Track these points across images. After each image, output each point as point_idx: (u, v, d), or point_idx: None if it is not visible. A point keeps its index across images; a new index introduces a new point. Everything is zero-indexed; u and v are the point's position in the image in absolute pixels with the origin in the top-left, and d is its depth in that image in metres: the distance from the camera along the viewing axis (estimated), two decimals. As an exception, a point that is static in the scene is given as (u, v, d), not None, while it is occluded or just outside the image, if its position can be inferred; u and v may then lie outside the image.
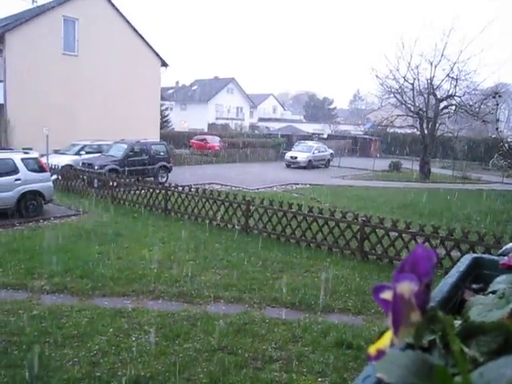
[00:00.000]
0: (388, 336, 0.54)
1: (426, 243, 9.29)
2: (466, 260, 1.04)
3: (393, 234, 9.84)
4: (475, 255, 1.05)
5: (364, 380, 0.54)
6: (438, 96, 26.76)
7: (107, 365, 5.33)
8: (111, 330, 6.22)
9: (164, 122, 45.10)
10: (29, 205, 12.74)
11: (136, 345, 5.81)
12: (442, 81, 26.67)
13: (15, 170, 12.46)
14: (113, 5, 28.39)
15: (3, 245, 10.01)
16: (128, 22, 29.29)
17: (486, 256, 1.08)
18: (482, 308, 0.73)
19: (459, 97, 26.39)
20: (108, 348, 5.72)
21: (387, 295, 0.52)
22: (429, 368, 0.49)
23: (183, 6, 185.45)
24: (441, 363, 0.56)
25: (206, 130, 51.84)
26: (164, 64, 31.58)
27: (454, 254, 8.82)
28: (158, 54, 30.99)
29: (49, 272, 8.34)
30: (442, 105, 26.85)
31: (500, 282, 0.80)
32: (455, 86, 26.15)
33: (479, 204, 17.55)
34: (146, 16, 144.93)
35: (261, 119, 68.52)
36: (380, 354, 0.53)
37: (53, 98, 24.88)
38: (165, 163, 20.75)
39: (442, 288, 0.89)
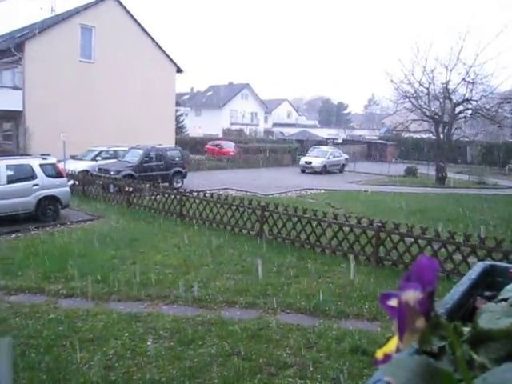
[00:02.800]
0: (394, 341, 0.55)
1: (442, 249, 9.20)
2: (478, 268, 1.04)
3: (408, 240, 9.75)
4: (488, 263, 1.05)
5: None
6: (454, 100, 26.54)
7: (122, 369, 5.37)
8: (126, 334, 6.26)
9: (179, 128, 45.38)
10: (46, 210, 12.92)
11: (151, 349, 5.84)
12: (458, 85, 26.50)
13: (33, 176, 12.66)
14: (128, 12, 28.76)
15: (21, 249, 10.16)
16: (143, 28, 29.65)
17: (498, 263, 1.07)
18: (491, 315, 0.74)
19: (475, 101, 26.14)
20: (123, 352, 5.76)
21: (394, 302, 0.54)
22: (434, 372, 0.51)
23: (198, 12, 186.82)
24: (450, 369, 0.57)
25: (220, 135, 52.03)
26: (179, 70, 31.86)
27: (472, 260, 8.71)
28: (172, 60, 31.28)
29: (65, 276, 8.45)
30: (457, 109, 26.63)
31: (510, 290, 0.80)
32: (471, 90, 25.94)
33: (496, 209, 17.33)
34: (161, 23, 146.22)
35: (275, 124, 68.55)
36: (386, 358, 0.54)
37: (70, 105, 25.25)
38: (180, 169, 20.89)
39: (452, 295, 0.90)
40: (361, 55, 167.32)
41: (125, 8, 28.57)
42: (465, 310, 0.84)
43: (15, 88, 25.44)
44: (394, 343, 0.55)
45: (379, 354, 0.56)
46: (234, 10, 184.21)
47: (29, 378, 5.09)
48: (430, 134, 28.81)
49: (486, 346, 0.63)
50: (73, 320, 6.66)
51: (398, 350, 0.55)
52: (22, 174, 12.58)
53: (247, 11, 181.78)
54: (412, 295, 0.53)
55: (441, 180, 26.38)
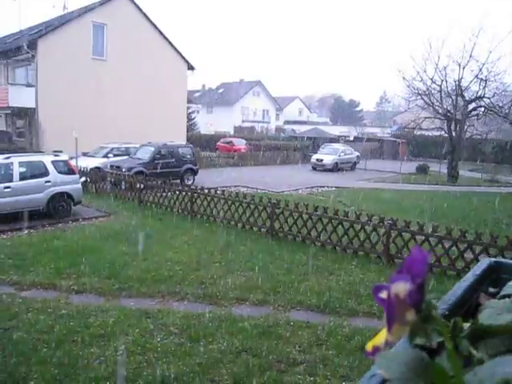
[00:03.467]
0: (383, 333, 0.55)
1: (454, 247, 9.12)
2: (483, 264, 1.03)
3: (419, 238, 9.69)
4: (493, 259, 1.03)
5: (370, 378, 0.55)
6: (467, 97, 26.26)
7: (133, 364, 5.41)
8: (137, 330, 6.30)
9: (191, 125, 45.52)
10: (58, 206, 13.02)
11: (161, 345, 5.88)
12: (471, 82, 26.18)
13: (45, 172, 12.76)
14: (140, 10, 28.87)
15: (34, 245, 10.27)
16: (155, 26, 29.72)
17: (504, 260, 1.06)
18: (492, 311, 0.73)
19: (488, 98, 25.84)
20: (134, 348, 5.80)
21: (385, 294, 0.54)
22: (427, 366, 0.51)
23: (209, 9, 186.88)
24: (447, 364, 0.57)
25: (232, 132, 52.08)
26: (190, 67, 31.90)
27: (483, 258, 8.63)
28: (184, 58, 31.33)
29: (77, 272, 8.52)
30: (470, 106, 26.35)
31: None
32: (484, 88, 25.63)
33: (508, 208, 17.14)
34: (172, 20, 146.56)
35: (287, 122, 68.41)
36: (375, 350, 0.54)
37: (82, 102, 25.41)
38: (191, 166, 20.94)
39: (455, 291, 0.89)
40: (373, 52, 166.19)
41: (136, 5, 28.67)
42: (468, 306, 0.83)
43: (28, 85, 25.68)
44: (383, 335, 0.55)
45: (369, 346, 0.56)
46: (246, 7, 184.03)
47: (40, 373, 5.14)
48: (442, 132, 28.56)
49: (485, 342, 0.63)
50: (84, 316, 6.72)
51: (387, 342, 0.54)
52: (35, 171, 12.69)
53: (259, 8, 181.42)
54: (402, 287, 0.52)
55: (453, 178, 26.16)
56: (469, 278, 0.96)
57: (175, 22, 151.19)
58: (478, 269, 1.00)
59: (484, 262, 1.03)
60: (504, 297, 0.79)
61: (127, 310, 7.02)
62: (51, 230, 11.98)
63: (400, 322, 0.53)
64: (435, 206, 16.98)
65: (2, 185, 11.92)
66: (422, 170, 30.97)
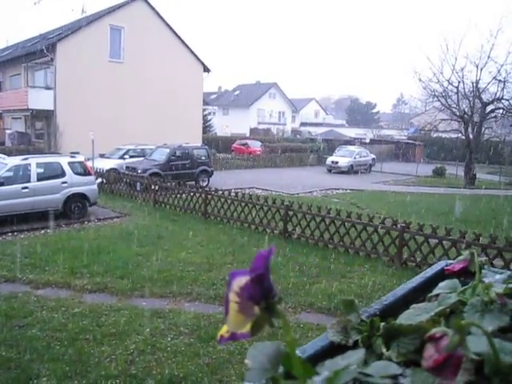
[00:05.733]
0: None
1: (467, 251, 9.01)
2: (438, 266, 1.02)
3: (433, 241, 9.61)
4: (449, 261, 1.02)
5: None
6: (484, 99, 25.92)
7: (143, 363, 5.48)
8: (148, 329, 6.38)
9: (206, 127, 45.71)
10: (74, 207, 13.21)
11: (171, 345, 5.94)
12: (489, 83, 25.84)
13: (62, 174, 12.97)
14: (156, 12, 29.14)
15: (50, 245, 10.44)
16: (171, 28, 29.97)
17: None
18: (413, 312, 0.75)
19: (507, 100, 25.47)
20: (144, 347, 5.87)
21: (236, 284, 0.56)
22: (280, 355, 0.56)
23: (226, 12, 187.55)
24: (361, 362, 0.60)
25: (248, 134, 52.12)
26: (206, 69, 32.08)
27: (498, 262, 8.54)
28: (200, 60, 31.52)
29: (91, 272, 8.64)
30: (488, 108, 26.01)
31: (442, 287, 0.81)
32: (503, 89, 25.28)
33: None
34: (188, 23, 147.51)
35: (303, 124, 68.30)
36: (221, 338, 0.57)
37: (99, 104, 25.74)
38: (206, 167, 21.04)
39: (396, 292, 0.91)
40: (389, 54, 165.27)
41: (153, 8, 28.94)
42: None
43: (47, 88, 26.12)
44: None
45: (218, 334, 0.58)
46: (262, 9, 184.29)
47: (53, 370, 5.24)
48: (460, 134, 28.23)
49: (398, 341, 0.66)
50: (96, 314, 6.82)
51: (228, 332, 0.57)
52: (52, 172, 12.91)
53: (275, 10, 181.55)
54: (241, 281, 0.55)
55: (470, 181, 25.83)
56: (416, 280, 0.96)
57: (191, 24, 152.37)
58: (430, 271, 1.00)
59: (440, 263, 1.03)
60: (431, 298, 0.80)
61: (139, 309, 7.10)
62: (67, 230, 12.16)
63: (244, 314, 0.55)
64: (451, 209, 16.81)
65: (20, 185, 12.16)
66: (439, 172, 30.67)
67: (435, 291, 0.80)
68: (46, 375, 5.17)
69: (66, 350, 5.68)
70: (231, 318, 0.56)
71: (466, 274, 0.90)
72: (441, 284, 0.81)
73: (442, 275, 0.93)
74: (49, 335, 6.10)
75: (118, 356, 5.62)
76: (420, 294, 0.89)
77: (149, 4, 28.75)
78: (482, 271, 0.87)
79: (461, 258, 0.95)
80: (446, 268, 0.93)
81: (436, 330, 0.61)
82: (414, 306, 0.77)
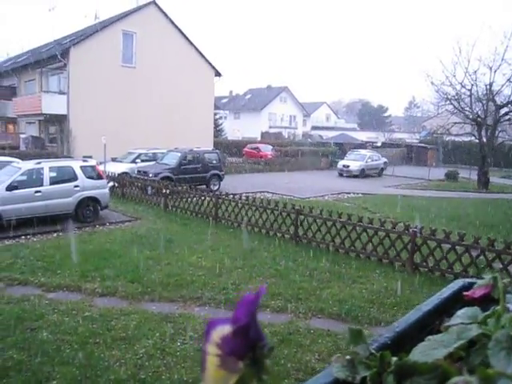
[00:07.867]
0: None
1: (481, 256, 8.91)
2: (455, 285, 0.94)
3: (445, 246, 9.50)
4: (468, 280, 0.93)
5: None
6: (498, 102, 25.65)
7: (152, 368, 5.47)
8: (157, 334, 6.37)
9: (218, 131, 45.84)
10: (86, 210, 13.30)
11: (180, 350, 5.92)
12: (503, 86, 25.56)
13: (74, 177, 13.07)
14: (168, 18, 29.34)
15: (61, 248, 10.50)
16: (183, 33, 30.14)
17: (479, 281, 0.90)
18: (428, 345, 0.66)
19: (522, 103, 25.21)
20: (153, 352, 5.86)
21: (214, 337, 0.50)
22: None
23: (237, 16, 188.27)
24: None
25: (259, 138, 52.19)
26: (217, 74, 32.20)
27: (512, 268, 8.42)
28: (211, 64, 31.65)
29: (102, 275, 8.67)
30: (502, 111, 25.72)
31: (460, 316, 0.72)
32: (517, 92, 25.01)
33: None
34: (199, 27, 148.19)
35: (314, 127, 68.21)
36: None
37: (112, 109, 25.95)
38: (217, 171, 21.05)
39: (408, 317, 0.81)
40: (401, 56, 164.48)
41: (165, 13, 29.15)
42: (428, 333, 0.73)
43: (60, 93, 26.41)
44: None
45: None
46: (273, 14, 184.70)
47: (62, 373, 5.25)
48: (473, 138, 27.96)
49: (411, 381, 0.58)
50: (107, 318, 6.83)
51: None
52: (64, 176, 13.01)
53: (286, 14, 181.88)
54: (222, 331, 0.49)
55: (483, 185, 25.55)
56: (432, 302, 0.87)
57: (202, 29, 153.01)
58: (446, 291, 0.93)
59: (456, 282, 0.95)
60: (448, 327, 0.71)
61: (149, 313, 7.10)
62: (78, 233, 12.23)
63: (226, 369, 0.49)
64: (464, 213, 16.65)
65: (33, 189, 12.27)
66: (452, 176, 30.38)
67: (453, 320, 0.71)
68: (56, 378, 5.18)
69: (76, 354, 5.68)
70: (210, 374, 0.49)
71: (487, 299, 0.80)
72: (459, 312, 0.73)
73: (459, 296, 0.85)
74: (59, 338, 6.12)
75: (127, 360, 5.61)
76: (436, 317, 0.82)
77: (160, 9, 28.97)
78: (507, 295, 0.77)
79: (482, 282, 0.84)
80: (465, 294, 0.83)
81: (457, 380, 0.53)
82: (430, 337, 0.68)
